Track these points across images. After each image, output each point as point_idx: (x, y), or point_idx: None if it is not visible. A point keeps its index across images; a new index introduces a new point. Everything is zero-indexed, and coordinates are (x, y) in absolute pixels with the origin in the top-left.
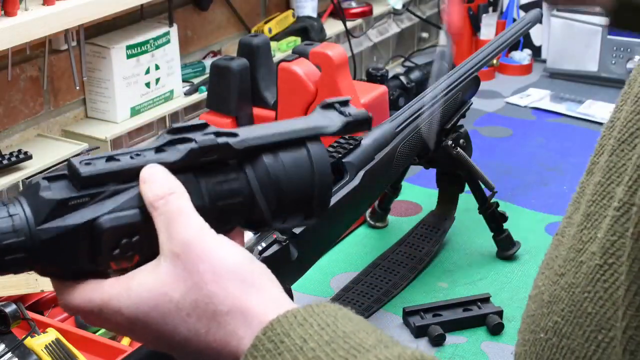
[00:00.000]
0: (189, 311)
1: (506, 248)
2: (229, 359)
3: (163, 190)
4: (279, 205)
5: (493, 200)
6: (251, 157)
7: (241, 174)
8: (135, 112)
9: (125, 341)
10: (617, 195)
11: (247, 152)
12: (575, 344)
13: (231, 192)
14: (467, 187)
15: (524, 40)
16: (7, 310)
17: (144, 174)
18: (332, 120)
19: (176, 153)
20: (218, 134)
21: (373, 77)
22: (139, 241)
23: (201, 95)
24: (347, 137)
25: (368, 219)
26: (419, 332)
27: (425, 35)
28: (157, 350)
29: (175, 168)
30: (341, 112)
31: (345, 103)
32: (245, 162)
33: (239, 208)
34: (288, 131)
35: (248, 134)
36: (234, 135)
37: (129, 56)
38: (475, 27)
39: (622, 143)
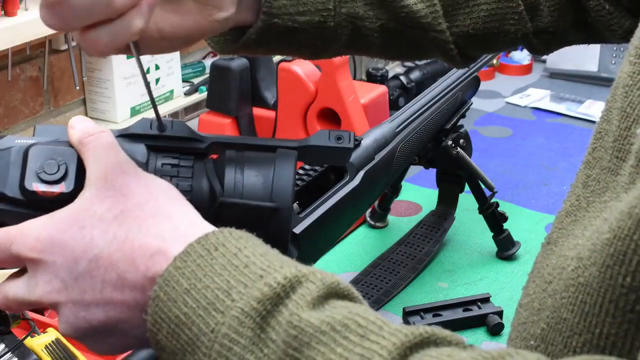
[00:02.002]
0: (111, 220)
1: (506, 248)
2: (141, 268)
3: (93, 130)
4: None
5: (493, 200)
6: (217, 151)
7: (200, 162)
8: (135, 112)
9: None
10: (614, 207)
11: (213, 147)
12: (557, 350)
13: (178, 173)
14: (467, 187)
15: None
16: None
17: (71, 121)
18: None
19: (135, 127)
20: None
21: (373, 77)
22: (64, 166)
23: (201, 95)
24: None
25: (368, 219)
26: None
27: None
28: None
29: (129, 136)
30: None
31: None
32: (209, 155)
33: (185, 191)
34: (261, 139)
35: (220, 137)
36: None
37: (129, 56)
38: None
39: (616, 157)
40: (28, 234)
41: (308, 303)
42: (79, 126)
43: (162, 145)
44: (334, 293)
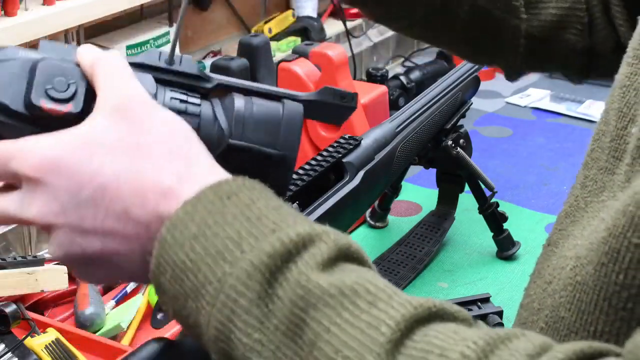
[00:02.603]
0: (123, 151)
1: (506, 248)
2: (150, 204)
3: (104, 54)
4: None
5: (493, 200)
6: (222, 94)
7: (206, 101)
8: None
9: (126, 341)
10: (611, 206)
11: (220, 88)
12: None
13: (186, 110)
14: (467, 187)
15: None
16: (7, 310)
17: (81, 48)
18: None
19: (144, 56)
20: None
21: (373, 77)
22: (74, 86)
23: None
24: (347, 137)
25: (368, 219)
26: None
27: None
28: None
29: (136, 65)
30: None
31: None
32: (215, 96)
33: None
34: (268, 87)
35: (228, 79)
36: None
37: (128, 55)
38: None
39: (613, 157)
40: (32, 152)
41: (318, 264)
42: (89, 50)
43: (168, 80)
44: (344, 255)
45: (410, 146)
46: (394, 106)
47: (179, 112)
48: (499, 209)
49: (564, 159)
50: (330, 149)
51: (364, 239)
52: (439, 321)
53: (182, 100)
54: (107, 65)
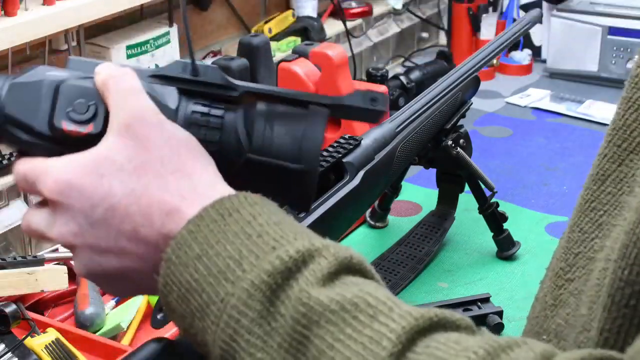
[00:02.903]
0: (131, 171)
1: (506, 248)
2: (156, 224)
3: (116, 72)
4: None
5: (493, 200)
6: (250, 101)
7: (230, 112)
8: None
9: (126, 341)
10: (629, 205)
11: (247, 96)
12: (567, 346)
13: (208, 123)
14: (467, 187)
15: (524, 40)
16: (7, 310)
17: (98, 67)
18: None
19: (168, 68)
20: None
21: (373, 77)
22: (94, 107)
23: None
24: (347, 137)
25: (368, 219)
26: None
27: (425, 35)
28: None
29: (161, 77)
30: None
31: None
32: (241, 105)
33: (212, 142)
34: (295, 92)
35: (254, 86)
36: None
37: (129, 56)
38: (475, 27)
39: (631, 153)
40: (49, 175)
41: (319, 280)
42: (104, 69)
43: (194, 90)
44: (346, 268)
45: (410, 146)
46: (394, 106)
47: (201, 126)
48: (499, 209)
49: (564, 159)
50: (330, 149)
51: (364, 239)
52: (441, 331)
53: (203, 114)
54: (117, 83)
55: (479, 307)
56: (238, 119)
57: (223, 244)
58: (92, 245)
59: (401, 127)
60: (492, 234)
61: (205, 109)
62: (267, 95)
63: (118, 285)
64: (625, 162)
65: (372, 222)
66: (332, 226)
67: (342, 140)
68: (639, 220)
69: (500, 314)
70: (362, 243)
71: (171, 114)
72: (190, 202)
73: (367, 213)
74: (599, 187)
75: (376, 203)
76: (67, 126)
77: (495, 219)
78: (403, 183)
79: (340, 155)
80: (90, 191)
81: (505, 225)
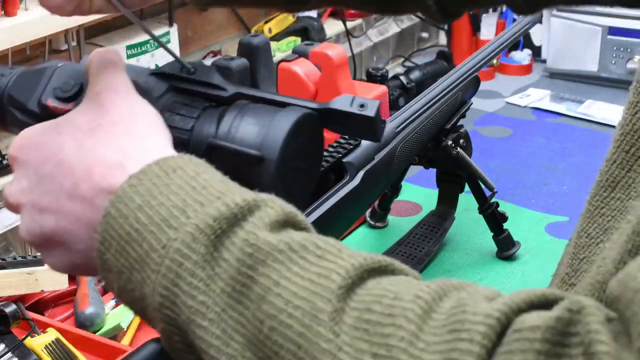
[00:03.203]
0: (85, 131)
1: (506, 248)
2: (95, 178)
3: (101, 50)
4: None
5: (493, 200)
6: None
7: (216, 108)
8: None
9: (126, 341)
10: (634, 208)
11: (237, 97)
12: None
13: (182, 114)
14: (467, 187)
15: (524, 40)
16: (7, 310)
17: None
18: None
19: (166, 66)
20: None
21: (373, 77)
22: (79, 86)
23: None
24: (347, 137)
25: (368, 219)
26: None
27: (425, 35)
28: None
29: (159, 74)
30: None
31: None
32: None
33: (184, 130)
34: (286, 97)
35: (246, 90)
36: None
37: (129, 56)
38: (475, 27)
39: (639, 158)
40: (19, 135)
41: (266, 225)
42: (94, 52)
43: (186, 88)
44: (292, 223)
45: (410, 146)
46: (394, 106)
47: (177, 113)
48: (499, 209)
49: (564, 159)
50: (330, 149)
51: (364, 239)
52: (390, 274)
53: (183, 104)
54: (98, 59)
55: None
56: (220, 112)
57: (166, 195)
58: (35, 203)
59: (401, 127)
60: (492, 234)
61: (186, 100)
62: (257, 99)
63: (56, 253)
64: (633, 167)
65: (372, 222)
66: (332, 226)
67: (342, 140)
68: None
69: None
70: (362, 243)
71: (151, 99)
72: (133, 160)
73: (367, 213)
74: (610, 194)
75: (376, 203)
76: (52, 103)
77: (495, 219)
78: (403, 183)
79: (340, 155)
80: (45, 146)
81: (505, 225)
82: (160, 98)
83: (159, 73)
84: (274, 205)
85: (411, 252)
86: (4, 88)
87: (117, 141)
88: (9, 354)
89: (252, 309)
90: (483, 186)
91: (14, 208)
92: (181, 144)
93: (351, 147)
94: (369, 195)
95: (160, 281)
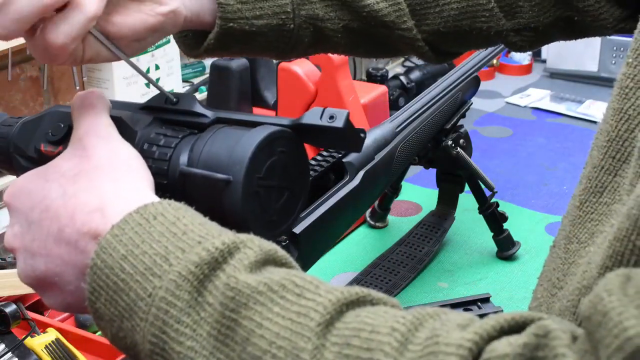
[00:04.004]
0: (69, 177)
1: (506, 248)
2: (77, 224)
3: (83, 94)
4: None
5: (493, 200)
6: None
7: (195, 135)
8: None
9: None
10: (617, 212)
11: (219, 122)
12: None
13: (162, 143)
14: (467, 187)
15: None
16: (7, 310)
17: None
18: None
19: (152, 100)
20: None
21: (373, 77)
22: (67, 129)
23: (201, 96)
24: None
25: (368, 219)
26: None
27: None
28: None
29: (145, 108)
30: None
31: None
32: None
33: (163, 160)
34: (262, 117)
35: (224, 114)
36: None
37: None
38: None
39: (624, 163)
40: (12, 183)
41: (246, 266)
42: (77, 95)
43: (169, 118)
44: (272, 260)
45: (410, 146)
46: (394, 106)
47: (156, 145)
48: (499, 209)
49: (564, 159)
50: (330, 149)
51: (364, 239)
52: (369, 305)
53: (163, 135)
54: (80, 103)
55: (479, 307)
56: (193, 139)
57: (148, 243)
58: (27, 247)
59: (401, 127)
60: (492, 234)
61: (166, 131)
62: (236, 121)
63: (50, 294)
64: (619, 172)
65: (372, 222)
66: (332, 226)
67: None
68: (632, 227)
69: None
70: (362, 243)
71: (131, 133)
72: (111, 203)
73: (367, 213)
74: (598, 199)
75: (376, 203)
76: (44, 147)
77: (495, 219)
78: (403, 183)
79: (340, 155)
80: (33, 193)
81: (505, 225)
82: (144, 131)
83: (145, 107)
84: (253, 246)
85: (411, 252)
86: (10, 137)
87: (97, 186)
88: (9, 354)
89: (238, 351)
90: (483, 186)
91: (11, 251)
92: (160, 173)
93: None
94: (369, 195)
95: (148, 329)
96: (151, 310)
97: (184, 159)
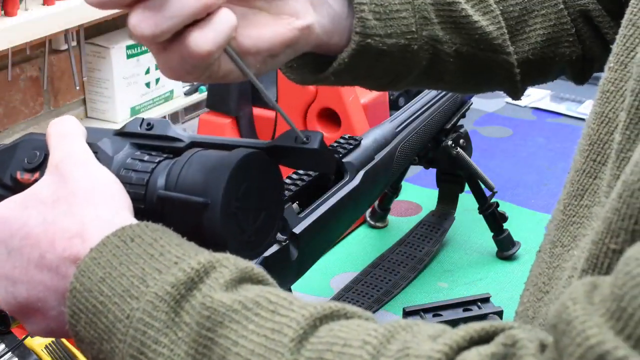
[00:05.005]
0: (48, 204)
1: (506, 248)
2: (58, 250)
3: (58, 120)
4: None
5: (493, 200)
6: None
7: (171, 160)
8: (135, 112)
9: None
10: (597, 215)
11: (193, 146)
12: None
13: (138, 167)
14: (467, 187)
15: None
16: None
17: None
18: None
19: (127, 125)
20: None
21: None
22: (42, 156)
23: (201, 95)
24: (347, 137)
25: (368, 219)
26: None
27: None
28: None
29: (121, 134)
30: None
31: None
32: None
33: (140, 185)
34: (238, 140)
35: (199, 137)
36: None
37: (129, 56)
38: None
39: (603, 165)
40: None
41: (221, 285)
42: (53, 121)
43: (145, 144)
44: (247, 278)
45: (410, 146)
46: (394, 106)
47: (132, 170)
48: (499, 209)
49: (564, 159)
50: (330, 149)
51: (364, 239)
52: (343, 319)
53: (140, 160)
54: (56, 129)
55: (479, 307)
56: (170, 164)
57: (126, 265)
58: (7, 275)
59: (401, 127)
60: (492, 234)
61: (142, 156)
62: (211, 145)
63: (33, 320)
64: (599, 175)
65: (372, 222)
66: (332, 226)
67: (342, 140)
68: (607, 230)
69: (500, 314)
70: (362, 243)
71: (108, 159)
72: (90, 228)
73: (367, 213)
74: (579, 202)
75: (376, 203)
76: (20, 175)
77: (495, 219)
78: (403, 183)
79: (340, 155)
80: (13, 221)
81: (505, 225)
82: (120, 156)
83: (121, 133)
84: (228, 264)
85: (411, 252)
86: None
87: (76, 212)
88: (9, 354)
89: None
90: (483, 186)
91: None
92: (138, 198)
93: (351, 147)
94: (369, 195)
95: (127, 350)
96: (129, 332)
97: (161, 183)
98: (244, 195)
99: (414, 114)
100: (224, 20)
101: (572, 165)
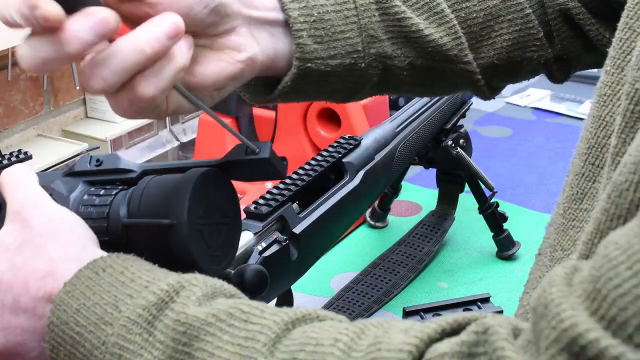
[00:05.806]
0: (14, 249)
1: (506, 248)
2: (32, 290)
3: (10, 169)
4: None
5: (493, 200)
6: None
7: (127, 190)
8: None
9: None
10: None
11: (144, 175)
12: None
13: (95, 202)
14: (467, 187)
15: None
16: None
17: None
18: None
19: (77, 164)
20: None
21: None
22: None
23: None
24: (347, 137)
25: (368, 219)
26: None
27: None
28: None
29: (72, 174)
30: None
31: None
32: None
33: (101, 218)
34: (187, 162)
35: (149, 165)
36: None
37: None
38: None
39: (601, 169)
40: None
41: (194, 301)
42: (4, 171)
43: (98, 180)
44: (220, 292)
45: (410, 146)
46: (394, 106)
47: (91, 205)
48: (499, 209)
49: (564, 159)
50: (330, 149)
51: (364, 239)
52: (315, 321)
53: (96, 195)
54: (9, 177)
55: (479, 307)
56: (130, 193)
57: (99, 295)
58: None
59: (401, 127)
60: (492, 234)
61: (98, 191)
62: (163, 170)
63: None
64: (597, 178)
65: (372, 222)
66: (332, 226)
67: (342, 140)
68: (595, 231)
69: (500, 314)
70: (362, 243)
71: (64, 199)
72: (61, 265)
73: (367, 213)
74: (579, 206)
75: (376, 203)
76: None
77: (495, 219)
78: (403, 183)
79: (340, 155)
80: None
81: (505, 225)
82: (76, 195)
83: (72, 173)
84: (198, 282)
85: (411, 252)
86: None
87: (44, 252)
88: None
89: None
90: (483, 186)
91: None
92: (101, 232)
93: (351, 147)
94: (369, 195)
95: None
96: (105, 357)
97: (123, 212)
98: (205, 213)
99: (414, 114)
100: (170, 64)
101: (571, 169)
